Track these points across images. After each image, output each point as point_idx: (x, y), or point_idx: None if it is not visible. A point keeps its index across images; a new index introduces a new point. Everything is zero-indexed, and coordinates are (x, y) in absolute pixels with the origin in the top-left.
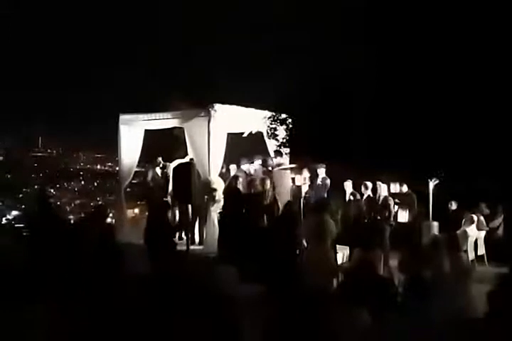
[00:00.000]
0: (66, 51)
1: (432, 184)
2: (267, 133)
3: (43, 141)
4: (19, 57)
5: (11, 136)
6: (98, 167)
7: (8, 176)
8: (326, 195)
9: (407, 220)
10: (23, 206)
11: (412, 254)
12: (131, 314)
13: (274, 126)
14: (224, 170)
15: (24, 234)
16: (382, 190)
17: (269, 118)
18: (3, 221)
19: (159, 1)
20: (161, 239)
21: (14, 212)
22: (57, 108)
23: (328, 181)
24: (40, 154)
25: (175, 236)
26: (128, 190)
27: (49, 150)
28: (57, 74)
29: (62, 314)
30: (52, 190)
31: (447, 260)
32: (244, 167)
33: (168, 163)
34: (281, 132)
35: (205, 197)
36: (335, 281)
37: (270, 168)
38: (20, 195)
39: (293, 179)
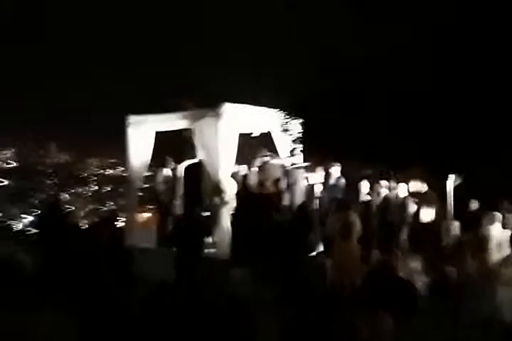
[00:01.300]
0: (71, 53)
1: (451, 182)
2: (284, 130)
3: (56, 147)
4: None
5: (24, 142)
6: (111, 172)
7: (22, 182)
8: (340, 195)
9: (429, 220)
10: (37, 212)
11: (436, 256)
12: (146, 318)
13: (286, 124)
14: (234, 170)
15: (37, 239)
16: (400, 189)
17: (281, 116)
18: (18, 227)
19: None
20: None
21: (29, 218)
22: (68, 112)
23: (343, 181)
24: (53, 160)
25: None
26: (140, 193)
27: (62, 156)
28: (65, 77)
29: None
30: (65, 196)
31: (473, 261)
32: (256, 167)
33: (177, 165)
34: (294, 131)
35: (216, 198)
36: (359, 282)
37: (283, 167)
38: (36, 201)
39: (307, 178)
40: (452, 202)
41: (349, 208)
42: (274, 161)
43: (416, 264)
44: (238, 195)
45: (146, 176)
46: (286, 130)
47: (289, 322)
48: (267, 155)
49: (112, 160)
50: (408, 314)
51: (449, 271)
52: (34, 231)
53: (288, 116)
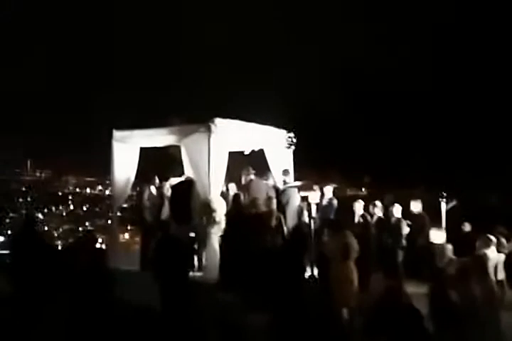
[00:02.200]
0: (55, 69)
1: (444, 205)
2: (278, 148)
3: (32, 164)
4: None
5: None
6: (88, 191)
7: None
8: (332, 216)
9: (422, 242)
10: (9, 232)
11: (435, 280)
12: None
13: (279, 142)
14: (224, 189)
15: (9, 261)
16: (394, 211)
17: (275, 134)
18: None
19: (154, 12)
20: (171, 263)
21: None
22: (47, 129)
23: (335, 202)
24: (28, 178)
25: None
26: (120, 213)
27: (38, 174)
28: (47, 94)
29: None
30: (40, 215)
31: (475, 285)
32: (245, 185)
33: (164, 183)
34: (287, 149)
35: (205, 218)
36: (360, 308)
37: (275, 187)
38: (7, 220)
39: (302, 197)
40: (445, 225)
41: (346, 228)
42: (264, 180)
43: (414, 289)
44: (228, 215)
45: (130, 194)
46: (279, 148)
47: None
48: (255, 174)
49: (92, 179)
50: None
51: (452, 296)
52: (6, 252)
53: (282, 134)
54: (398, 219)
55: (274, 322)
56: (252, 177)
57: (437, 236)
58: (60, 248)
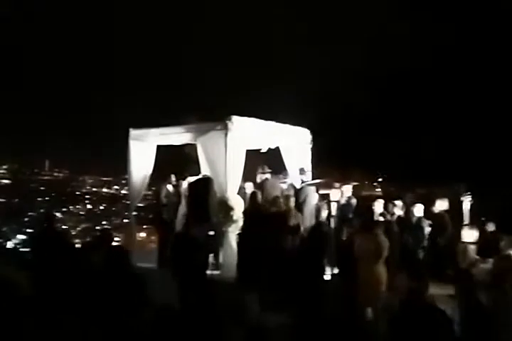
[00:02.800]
0: (69, 68)
1: (466, 203)
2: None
3: (50, 164)
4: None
5: (18, 159)
6: (105, 190)
7: (15, 200)
8: (351, 215)
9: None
10: (30, 230)
11: (462, 281)
12: None
13: (296, 140)
14: (241, 187)
15: (29, 258)
16: (415, 210)
17: (292, 132)
18: (10, 245)
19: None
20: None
21: (20, 236)
22: (65, 129)
23: (354, 201)
24: (47, 177)
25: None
26: (137, 212)
27: (56, 174)
28: (63, 93)
29: None
30: (58, 214)
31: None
32: (262, 183)
33: (181, 181)
34: (305, 147)
35: (222, 216)
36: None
37: (293, 185)
38: (26, 219)
39: (321, 196)
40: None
41: (377, 228)
42: (280, 179)
43: (436, 290)
44: (245, 213)
45: (147, 194)
46: (297, 146)
47: None
48: (271, 172)
49: (109, 178)
50: None
51: (482, 299)
52: (27, 249)
53: (300, 132)
54: (419, 219)
55: (291, 322)
56: (267, 176)
57: (467, 235)
58: (78, 246)
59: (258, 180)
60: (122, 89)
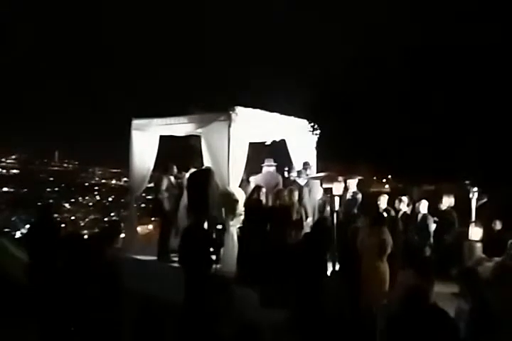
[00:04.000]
0: (70, 59)
1: (475, 201)
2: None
3: (60, 155)
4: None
5: (27, 149)
6: (113, 182)
7: (24, 190)
8: (355, 211)
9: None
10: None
11: (469, 280)
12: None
13: (301, 132)
14: (243, 180)
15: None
16: (421, 206)
17: (297, 124)
18: (18, 235)
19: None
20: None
21: (28, 226)
22: (74, 120)
23: (359, 196)
24: (56, 168)
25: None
26: (140, 204)
27: (65, 165)
28: (70, 84)
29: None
30: (66, 205)
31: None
32: (264, 176)
33: (183, 173)
34: (310, 139)
35: (224, 209)
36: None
37: (297, 178)
38: (35, 210)
39: (325, 190)
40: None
41: (383, 224)
42: (284, 172)
43: (441, 288)
44: (247, 206)
45: (149, 185)
46: (302, 138)
47: None
48: (276, 165)
49: (117, 170)
50: None
51: (488, 298)
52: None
53: (305, 124)
54: (425, 215)
55: (291, 318)
56: (270, 169)
57: (474, 233)
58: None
59: (267, 173)
60: (130, 78)
